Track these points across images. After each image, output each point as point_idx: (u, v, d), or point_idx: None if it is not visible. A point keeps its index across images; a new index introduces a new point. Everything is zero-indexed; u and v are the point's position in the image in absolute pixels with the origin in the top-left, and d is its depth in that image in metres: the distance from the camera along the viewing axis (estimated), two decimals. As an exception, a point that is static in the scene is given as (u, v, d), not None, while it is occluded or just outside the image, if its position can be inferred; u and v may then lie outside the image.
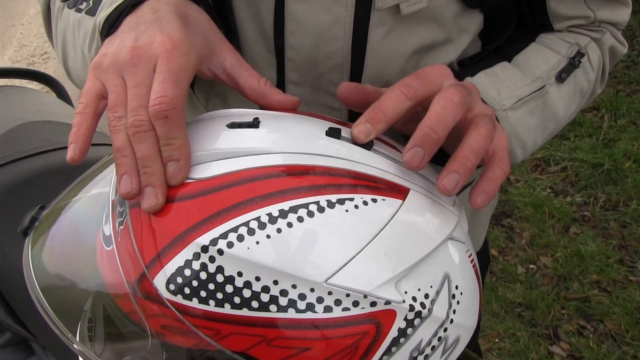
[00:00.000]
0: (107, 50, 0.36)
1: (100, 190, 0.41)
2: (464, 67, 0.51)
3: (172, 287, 0.32)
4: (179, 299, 0.32)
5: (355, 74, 0.47)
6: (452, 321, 0.35)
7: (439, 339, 0.34)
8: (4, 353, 0.79)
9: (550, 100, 0.49)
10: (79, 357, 0.42)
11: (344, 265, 0.31)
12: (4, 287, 0.73)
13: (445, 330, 0.34)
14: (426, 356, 0.34)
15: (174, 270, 0.32)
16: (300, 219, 0.32)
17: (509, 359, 1.34)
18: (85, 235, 0.39)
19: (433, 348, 0.34)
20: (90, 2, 0.44)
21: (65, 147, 0.83)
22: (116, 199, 0.36)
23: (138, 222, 0.34)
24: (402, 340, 0.33)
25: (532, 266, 1.59)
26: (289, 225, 0.32)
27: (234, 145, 0.34)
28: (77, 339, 0.38)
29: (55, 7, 0.50)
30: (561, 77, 0.49)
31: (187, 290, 0.32)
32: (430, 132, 0.34)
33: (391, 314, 0.32)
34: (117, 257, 0.34)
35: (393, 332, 0.32)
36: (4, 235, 0.72)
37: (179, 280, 0.32)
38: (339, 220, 0.32)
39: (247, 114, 0.37)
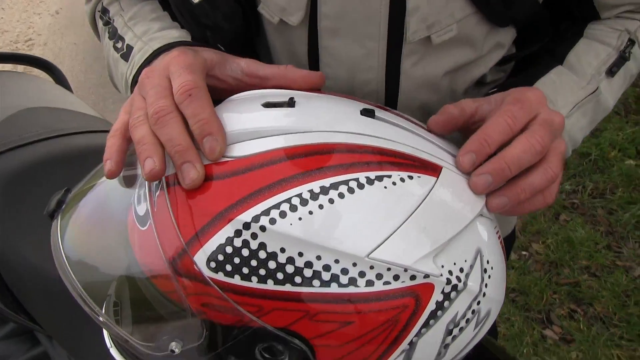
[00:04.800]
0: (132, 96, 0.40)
1: (127, 172, 0.40)
2: (520, 74, 0.50)
3: (213, 264, 0.32)
4: (220, 276, 0.32)
5: (390, 99, 0.49)
6: (484, 294, 0.36)
7: (473, 312, 0.35)
8: (7, 344, 0.78)
9: (603, 97, 0.49)
10: (104, 332, 0.42)
11: (385, 240, 0.32)
12: (9, 277, 0.71)
13: (479, 303, 0.35)
14: (461, 329, 0.35)
15: (214, 248, 0.32)
16: (341, 195, 0.32)
17: (505, 342, 1.37)
18: (115, 217, 0.39)
19: (467, 321, 0.35)
20: (124, 48, 0.48)
21: (67, 134, 0.82)
22: None
23: (174, 201, 0.34)
24: (439, 313, 0.34)
25: (524, 253, 1.62)
26: (330, 201, 0.32)
27: (271, 124, 0.35)
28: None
29: (100, 25, 0.54)
30: (612, 71, 0.49)
31: (228, 268, 0.32)
32: (506, 168, 0.35)
33: (429, 288, 0.33)
34: (155, 235, 0.34)
35: (431, 305, 0.33)
36: (7, 223, 0.71)
37: (220, 257, 0.32)
38: (377, 197, 0.33)
39: (282, 94, 0.38)
